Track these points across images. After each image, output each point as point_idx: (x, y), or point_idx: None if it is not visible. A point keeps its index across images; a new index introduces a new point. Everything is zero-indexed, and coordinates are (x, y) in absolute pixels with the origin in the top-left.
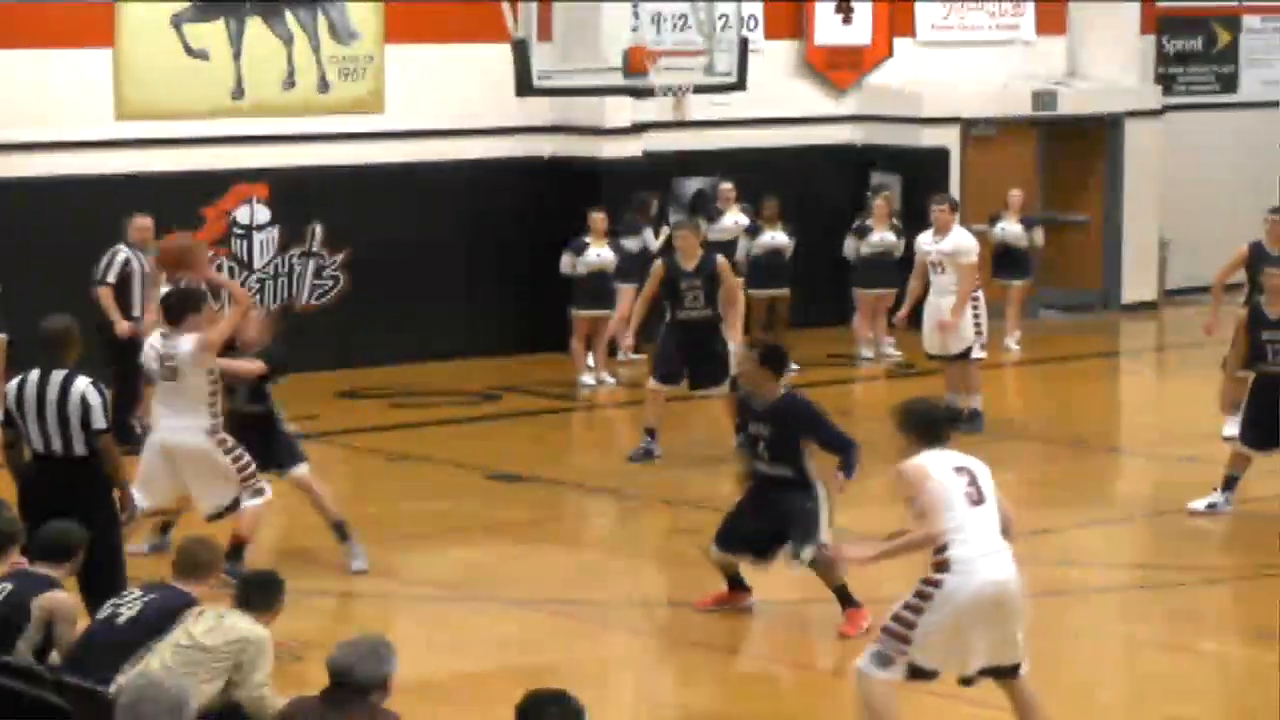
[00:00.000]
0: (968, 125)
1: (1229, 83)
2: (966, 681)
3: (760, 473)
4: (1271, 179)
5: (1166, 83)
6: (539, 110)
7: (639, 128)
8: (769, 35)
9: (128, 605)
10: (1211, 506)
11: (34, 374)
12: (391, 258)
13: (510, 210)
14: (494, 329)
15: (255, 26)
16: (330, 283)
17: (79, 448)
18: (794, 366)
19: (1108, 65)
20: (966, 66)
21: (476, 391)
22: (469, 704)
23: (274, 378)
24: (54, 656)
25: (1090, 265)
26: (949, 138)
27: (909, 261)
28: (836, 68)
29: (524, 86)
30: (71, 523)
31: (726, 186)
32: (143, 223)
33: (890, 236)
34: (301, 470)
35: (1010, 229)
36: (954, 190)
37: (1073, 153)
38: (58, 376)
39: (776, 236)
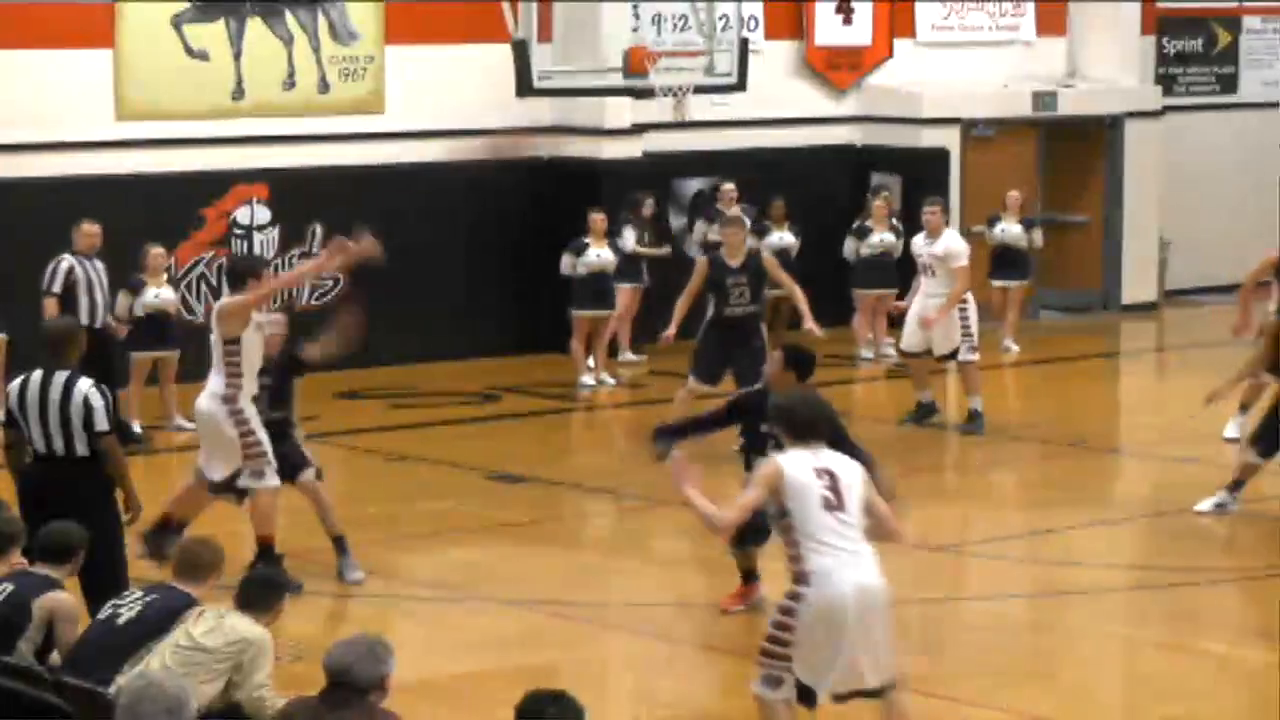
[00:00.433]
0: (968, 126)
1: (1229, 83)
2: (840, 698)
3: None
4: (1272, 180)
5: (1167, 83)
6: (539, 111)
7: (639, 128)
8: (769, 36)
9: (128, 606)
10: (1220, 506)
11: (36, 374)
12: (392, 258)
13: (510, 211)
14: (494, 329)
15: (255, 27)
16: (330, 283)
17: (80, 448)
18: None
19: (1108, 66)
20: (966, 67)
21: (476, 392)
22: (468, 704)
23: (300, 372)
24: (54, 657)
25: (1090, 266)
26: (949, 138)
27: (909, 262)
28: (836, 68)
29: (524, 87)
30: (72, 523)
31: (728, 187)
32: (90, 229)
33: (890, 237)
34: (309, 476)
35: (1009, 230)
36: (954, 191)
37: (1073, 153)
38: (60, 377)
39: (784, 237)
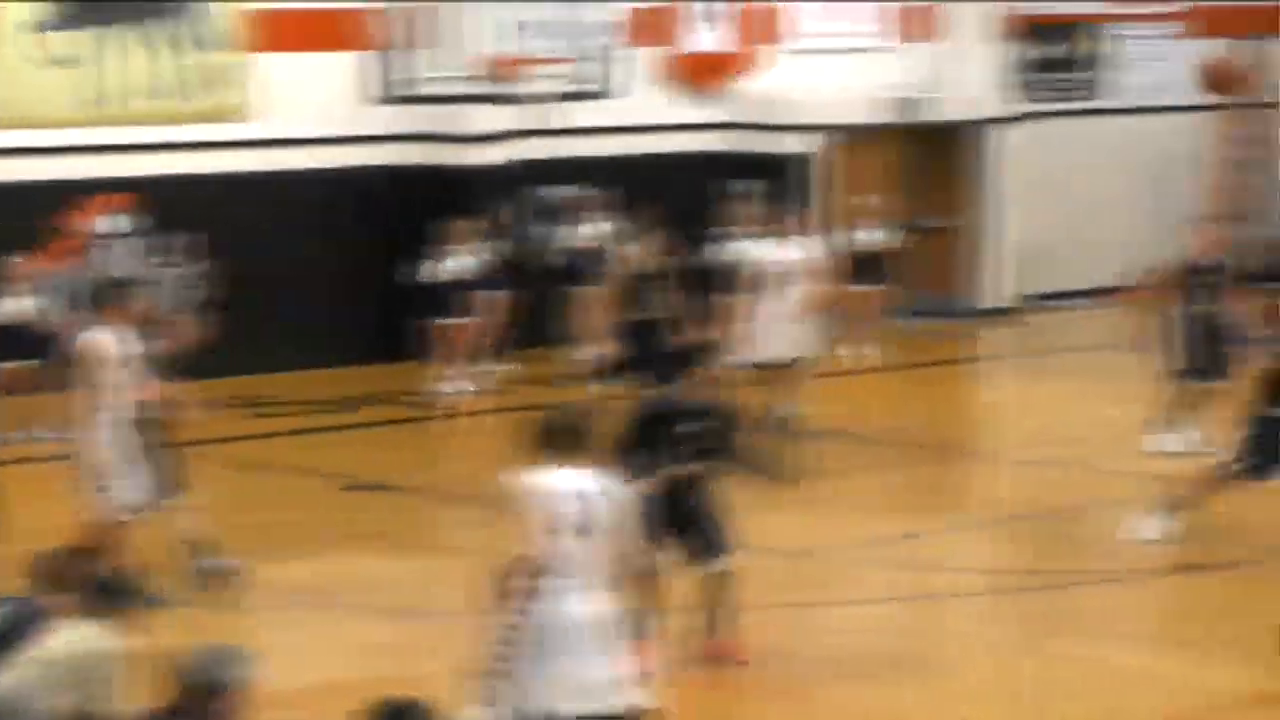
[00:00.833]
0: (832, 132)
1: (1092, 89)
2: None
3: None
4: (1134, 185)
5: (1030, 89)
6: (404, 118)
7: (504, 135)
8: (636, 43)
9: None
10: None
11: None
12: (255, 267)
13: (373, 218)
14: (355, 338)
15: (119, 35)
16: (192, 292)
17: None
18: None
19: (972, 72)
20: (832, 74)
21: (335, 400)
22: (322, 713)
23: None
24: None
25: (953, 271)
26: (813, 145)
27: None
28: (703, 75)
29: (388, 94)
30: None
31: (591, 195)
32: None
33: (755, 244)
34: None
35: (870, 235)
36: (817, 197)
37: (937, 159)
38: None
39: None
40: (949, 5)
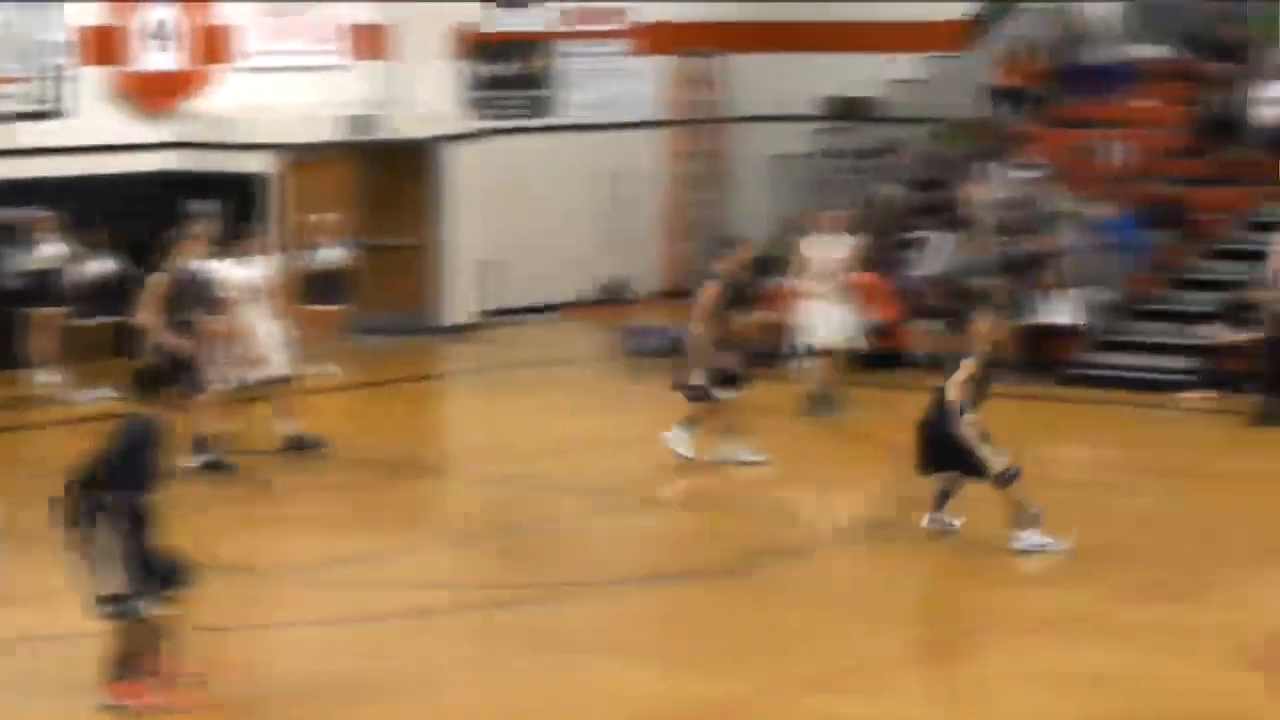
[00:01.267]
0: (288, 151)
1: (544, 106)
2: None
3: None
4: (590, 201)
5: (483, 106)
6: None
7: None
8: (87, 61)
9: None
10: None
11: None
12: None
13: None
14: None
15: None
16: None
17: None
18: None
19: (426, 90)
20: (286, 92)
21: None
22: None
23: None
24: None
25: (412, 288)
26: (269, 164)
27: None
28: (155, 94)
29: None
30: None
31: (44, 215)
32: None
33: (211, 264)
34: None
35: (328, 254)
36: (274, 216)
37: (393, 177)
38: None
39: (105, 264)
40: (401, 23)
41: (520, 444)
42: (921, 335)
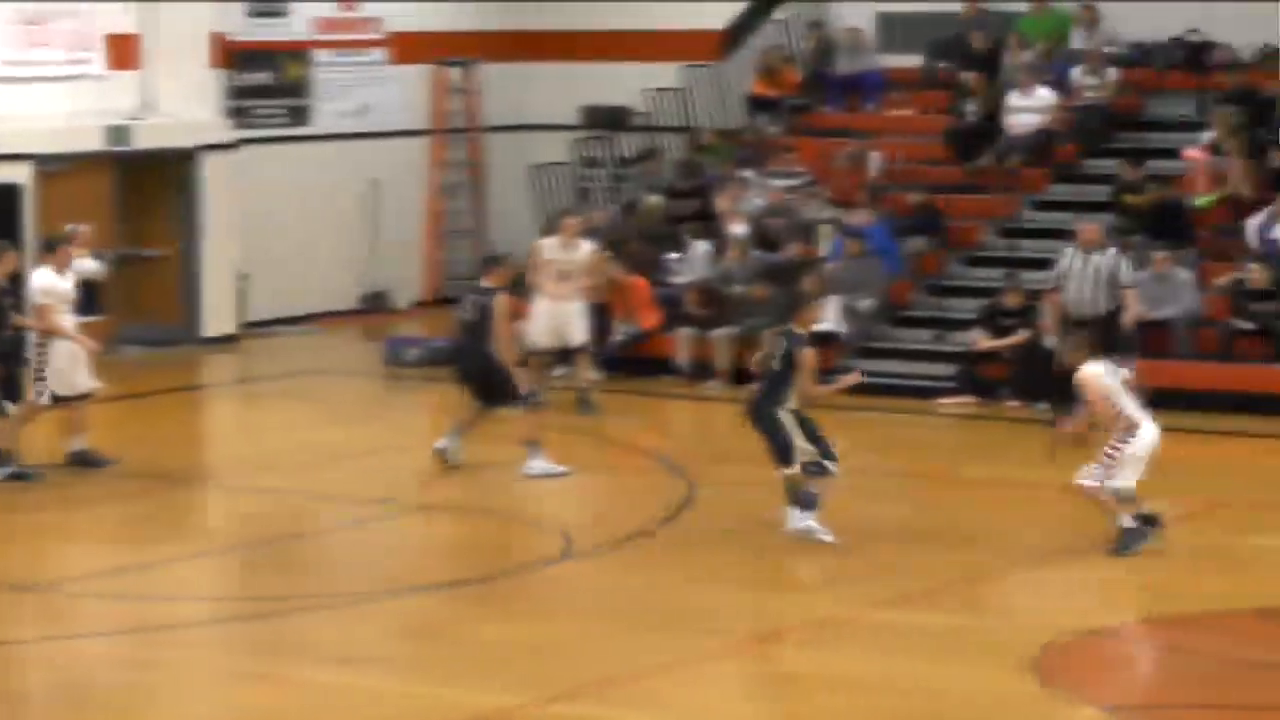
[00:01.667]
0: (41, 161)
1: (302, 115)
2: None
3: None
4: (349, 210)
5: (240, 116)
6: None
7: None
8: None
9: None
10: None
11: None
12: None
13: None
14: None
15: None
16: None
17: None
18: None
19: (182, 99)
20: (38, 102)
21: None
22: None
23: None
24: None
25: (170, 300)
26: (21, 174)
27: None
28: None
29: None
30: None
31: None
32: None
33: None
34: None
35: (82, 265)
36: (28, 227)
37: (149, 187)
38: None
39: None
40: (157, 32)
41: (282, 455)
42: (681, 343)
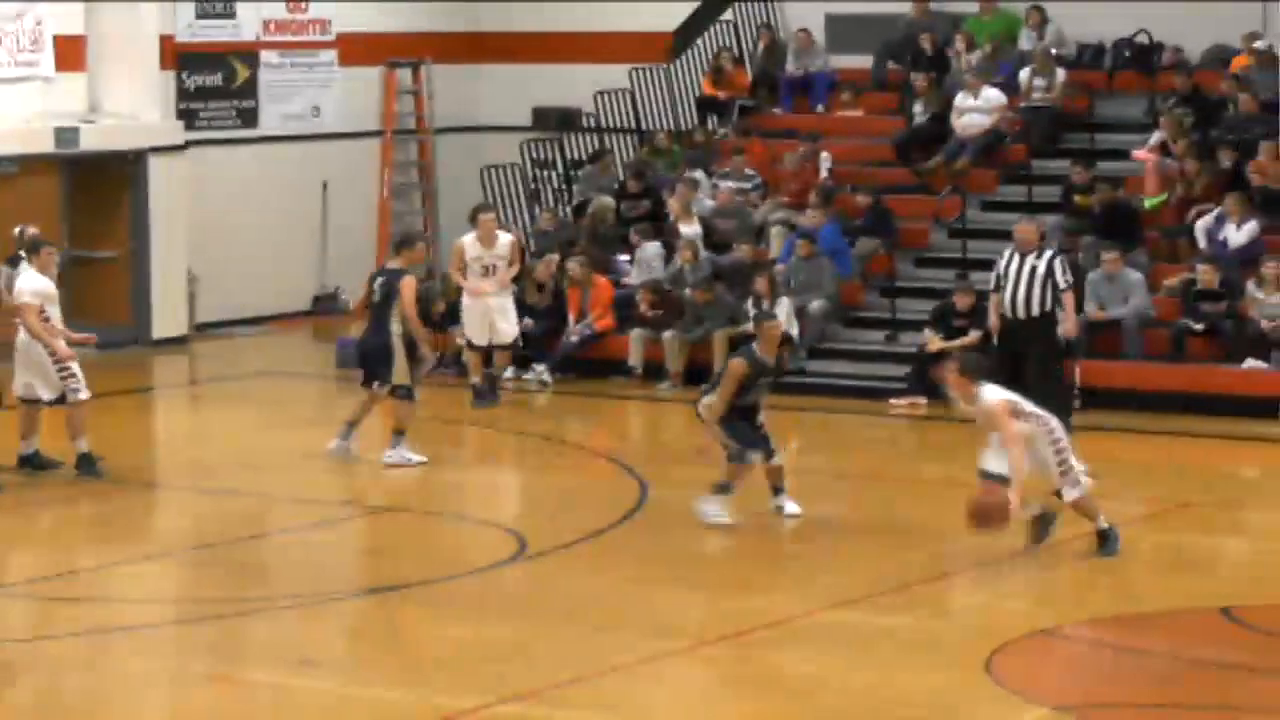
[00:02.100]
0: None
1: (250, 117)
2: None
3: None
4: (298, 211)
5: (189, 118)
6: None
7: None
8: None
9: None
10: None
11: None
12: None
13: None
14: None
15: None
16: None
17: None
18: None
19: (130, 101)
20: None
21: None
22: None
23: None
24: None
25: (120, 302)
26: None
27: None
28: None
29: None
30: None
31: None
32: None
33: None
34: None
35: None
36: None
37: (97, 189)
38: None
39: None
40: (105, 34)
41: (234, 457)
42: (634, 344)
